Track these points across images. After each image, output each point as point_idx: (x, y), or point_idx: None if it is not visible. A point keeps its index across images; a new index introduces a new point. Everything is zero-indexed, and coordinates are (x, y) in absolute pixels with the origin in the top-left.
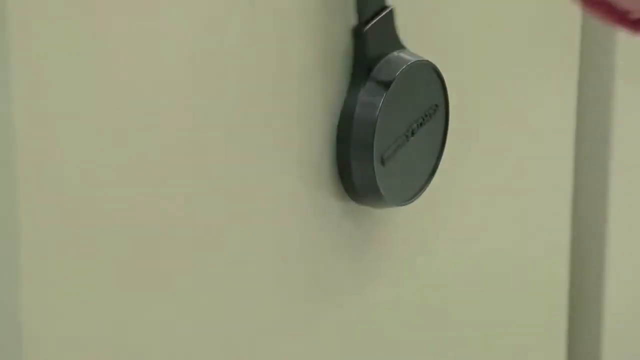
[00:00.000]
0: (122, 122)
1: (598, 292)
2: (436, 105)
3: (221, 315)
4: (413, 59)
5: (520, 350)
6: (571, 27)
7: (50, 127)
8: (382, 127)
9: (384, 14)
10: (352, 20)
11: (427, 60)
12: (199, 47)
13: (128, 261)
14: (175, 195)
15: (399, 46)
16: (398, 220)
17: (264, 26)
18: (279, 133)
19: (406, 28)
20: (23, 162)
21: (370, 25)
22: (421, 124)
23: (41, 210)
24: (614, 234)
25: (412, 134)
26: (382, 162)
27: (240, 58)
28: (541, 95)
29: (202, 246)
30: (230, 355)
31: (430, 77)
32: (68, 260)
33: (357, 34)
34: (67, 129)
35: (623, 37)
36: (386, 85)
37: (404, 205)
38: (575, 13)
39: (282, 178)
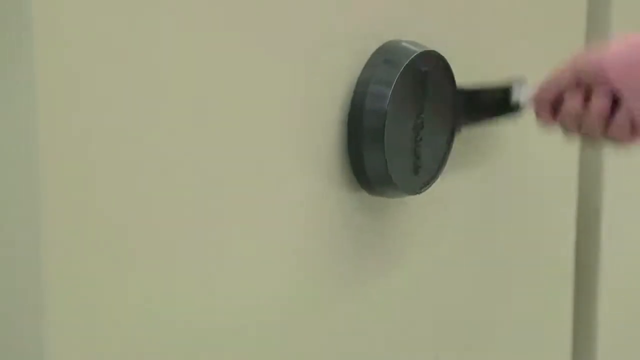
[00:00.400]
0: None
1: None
2: (445, 95)
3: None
4: (420, 49)
5: (526, 329)
6: (576, 21)
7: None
8: (393, 118)
9: None
10: None
11: (434, 50)
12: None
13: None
14: (200, 193)
15: None
16: (411, 210)
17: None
18: (291, 127)
19: (412, 19)
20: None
21: None
22: (430, 114)
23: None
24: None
25: (422, 124)
26: (394, 152)
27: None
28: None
29: (219, 241)
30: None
31: (438, 67)
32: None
33: None
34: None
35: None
36: (395, 76)
37: (416, 194)
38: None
39: (296, 172)
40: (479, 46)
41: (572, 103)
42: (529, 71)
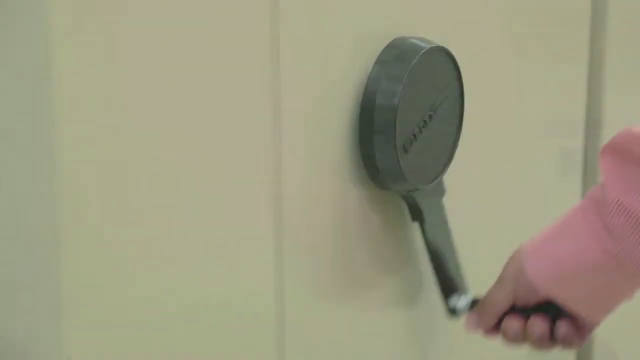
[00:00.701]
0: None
1: None
2: (451, 90)
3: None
4: (428, 46)
5: None
6: (580, 20)
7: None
8: (403, 113)
9: None
10: None
11: (442, 46)
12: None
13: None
14: (210, 188)
15: None
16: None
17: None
18: (303, 123)
19: (419, 16)
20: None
21: None
22: (438, 108)
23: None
24: None
25: (430, 118)
26: (404, 147)
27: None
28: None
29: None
30: None
31: (445, 62)
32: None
33: None
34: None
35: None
36: (405, 71)
37: (427, 186)
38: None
39: (308, 166)
40: (485, 43)
41: (512, 327)
42: (532, 68)
